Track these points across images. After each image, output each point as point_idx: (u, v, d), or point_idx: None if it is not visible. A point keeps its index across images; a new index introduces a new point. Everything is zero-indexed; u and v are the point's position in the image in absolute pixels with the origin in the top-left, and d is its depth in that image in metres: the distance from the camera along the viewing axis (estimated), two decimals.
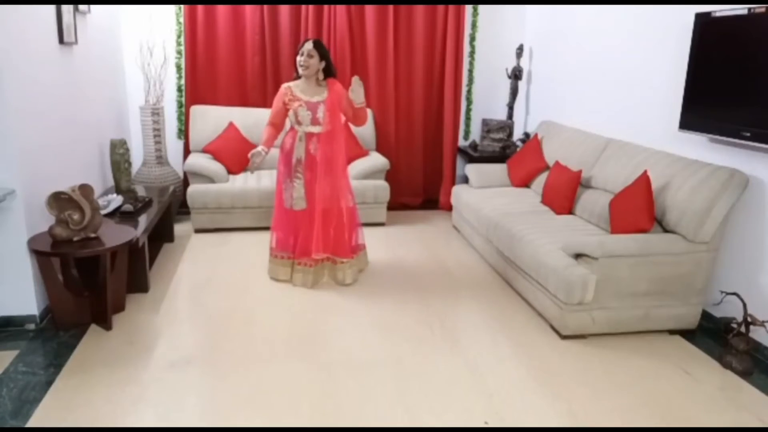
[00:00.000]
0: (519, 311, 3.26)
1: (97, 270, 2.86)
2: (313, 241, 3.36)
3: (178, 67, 4.80)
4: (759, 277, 2.87)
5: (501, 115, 5.33)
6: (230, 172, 4.60)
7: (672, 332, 3.03)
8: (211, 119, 4.75)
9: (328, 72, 3.35)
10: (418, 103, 5.17)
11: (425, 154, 5.33)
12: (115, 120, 4.43)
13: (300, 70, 3.30)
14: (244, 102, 4.92)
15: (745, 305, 2.74)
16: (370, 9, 4.88)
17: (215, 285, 3.47)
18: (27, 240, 2.77)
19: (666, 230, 3.03)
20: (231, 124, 4.72)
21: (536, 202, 4.00)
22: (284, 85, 3.39)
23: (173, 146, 4.92)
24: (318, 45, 3.27)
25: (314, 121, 3.32)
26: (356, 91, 3.22)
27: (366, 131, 4.95)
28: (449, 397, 2.40)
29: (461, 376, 2.56)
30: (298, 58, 3.26)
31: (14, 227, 2.75)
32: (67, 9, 3.26)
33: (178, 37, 4.73)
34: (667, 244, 2.88)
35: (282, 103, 3.35)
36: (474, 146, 5.24)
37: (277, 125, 3.43)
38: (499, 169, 4.62)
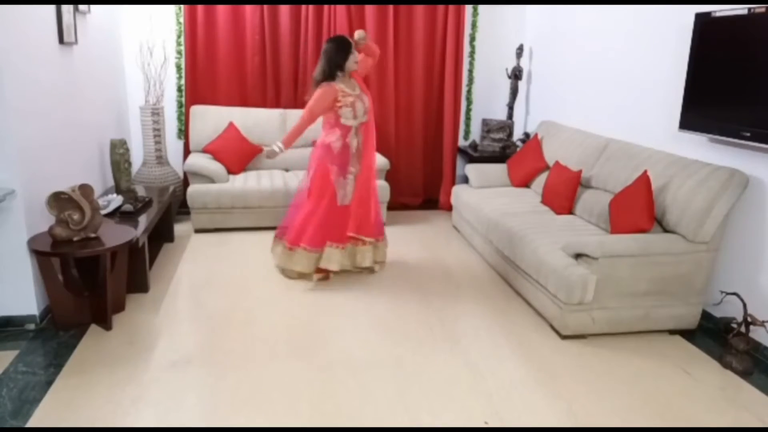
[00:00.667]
0: (519, 311, 3.26)
1: (97, 270, 2.86)
2: (349, 221, 3.49)
3: (178, 67, 4.80)
4: (759, 277, 2.87)
5: (501, 115, 5.33)
6: (230, 172, 4.60)
7: (672, 332, 3.03)
8: (211, 119, 4.74)
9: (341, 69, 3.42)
10: (418, 103, 5.17)
11: (425, 154, 5.33)
12: (115, 120, 4.43)
13: (352, 67, 3.38)
14: (244, 102, 4.93)
15: (745, 305, 2.74)
16: (370, 9, 4.88)
17: (215, 285, 3.47)
18: (27, 240, 2.77)
19: (666, 230, 3.03)
20: (231, 124, 4.72)
21: (536, 202, 4.00)
22: (329, 84, 3.35)
23: (173, 146, 4.92)
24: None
25: (366, 111, 3.46)
26: (362, 38, 3.37)
27: None
28: (449, 397, 2.40)
29: (461, 376, 2.56)
30: (353, 56, 3.34)
31: (14, 227, 2.75)
32: (67, 9, 3.26)
33: (178, 37, 4.73)
34: (667, 244, 2.88)
35: (329, 103, 3.35)
36: (474, 146, 5.24)
37: (308, 125, 3.45)
38: (499, 169, 4.62)
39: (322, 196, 3.44)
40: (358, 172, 3.48)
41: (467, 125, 5.41)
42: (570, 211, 3.74)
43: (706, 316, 3.11)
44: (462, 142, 5.40)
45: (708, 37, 3.02)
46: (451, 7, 4.99)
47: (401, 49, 5.05)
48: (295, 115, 4.95)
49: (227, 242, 4.23)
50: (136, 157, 4.64)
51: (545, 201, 3.94)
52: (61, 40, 3.22)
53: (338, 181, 3.43)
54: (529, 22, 5.19)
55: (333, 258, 3.47)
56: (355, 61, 3.38)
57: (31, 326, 2.85)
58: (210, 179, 4.40)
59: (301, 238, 3.48)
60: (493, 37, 5.24)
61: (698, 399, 2.46)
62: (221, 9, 4.69)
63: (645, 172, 3.13)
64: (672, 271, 2.89)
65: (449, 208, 4.92)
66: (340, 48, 3.34)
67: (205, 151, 4.67)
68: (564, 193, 3.76)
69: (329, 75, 3.35)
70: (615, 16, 3.97)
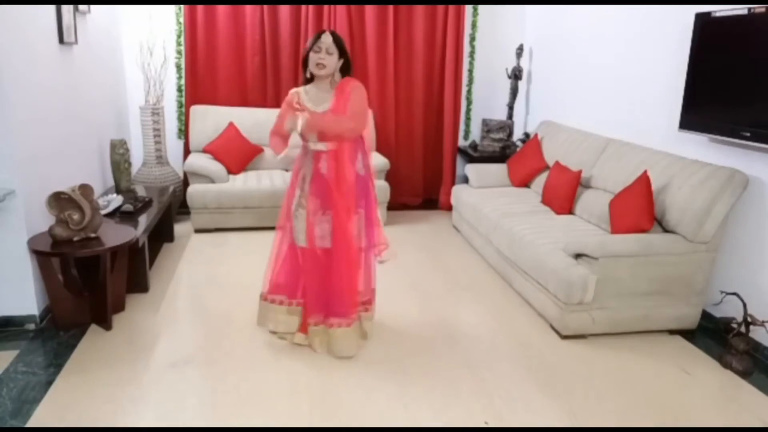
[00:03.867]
0: (519, 311, 3.26)
1: (97, 270, 2.85)
2: (308, 299, 2.71)
3: (178, 67, 4.80)
4: (759, 277, 2.87)
5: (501, 115, 5.33)
6: (230, 172, 4.60)
7: (672, 332, 3.03)
8: (211, 119, 4.75)
9: (346, 70, 2.65)
10: (418, 103, 5.17)
11: (425, 154, 5.32)
12: (115, 120, 4.43)
13: (315, 70, 2.54)
14: (244, 102, 4.92)
15: (745, 305, 2.74)
16: (370, 9, 4.87)
17: (215, 285, 3.47)
18: (27, 240, 2.77)
19: (666, 230, 3.03)
20: (231, 124, 4.72)
21: (536, 202, 4.00)
22: (292, 91, 2.67)
23: (173, 146, 4.92)
24: (337, 39, 2.56)
25: (321, 137, 2.58)
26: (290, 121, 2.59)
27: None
28: (449, 396, 2.40)
29: (461, 376, 2.56)
30: (314, 54, 2.52)
31: (14, 227, 2.75)
32: (67, 9, 3.26)
33: (178, 37, 4.73)
34: (667, 244, 2.88)
35: (288, 110, 2.62)
36: (474, 146, 5.24)
37: (283, 135, 2.72)
38: (499, 169, 4.62)
39: (285, 222, 2.77)
40: (309, 211, 2.61)
41: (467, 125, 5.41)
42: (570, 211, 3.74)
43: (706, 316, 3.11)
44: (462, 142, 5.40)
45: (708, 37, 3.02)
46: (451, 7, 4.99)
47: (401, 49, 5.05)
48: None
49: (227, 242, 4.23)
50: (136, 157, 4.64)
51: (545, 201, 3.94)
52: (61, 40, 3.22)
53: (292, 209, 2.70)
54: (529, 22, 5.20)
55: (272, 315, 2.75)
56: (317, 62, 2.51)
57: (31, 326, 2.84)
58: (210, 179, 4.40)
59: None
60: (493, 37, 5.24)
61: (698, 399, 2.46)
62: (221, 9, 4.69)
63: (645, 172, 3.13)
64: (672, 271, 2.89)
65: (449, 208, 4.92)
66: (309, 42, 2.59)
67: (205, 151, 4.67)
68: (564, 193, 3.76)
69: (305, 77, 2.66)
70: (615, 16, 3.97)
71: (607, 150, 3.78)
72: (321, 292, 2.70)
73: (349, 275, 2.67)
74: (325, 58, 2.52)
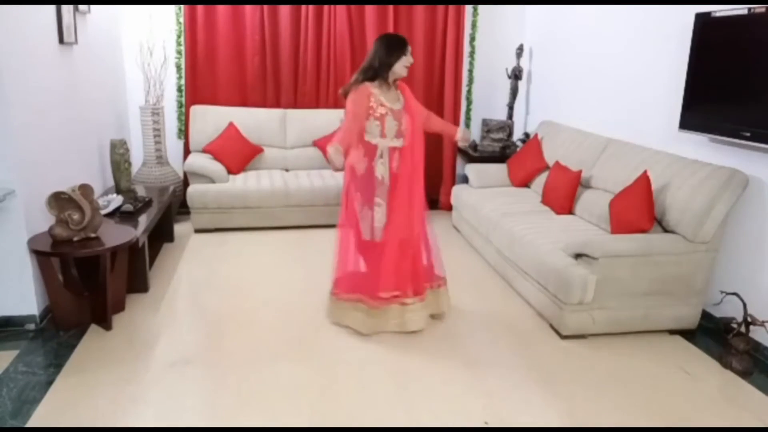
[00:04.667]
0: (519, 311, 3.26)
1: (97, 270, 2.85)
2: (382, 278, 2.82)
3: (178, 67, 4.80)
4: (759, 277, 2.87)
5: (501, 115, 5.32)
6: (230, 172, 4.60)
7: (672, 332, 3.03)
8: (211, 119, 4.75)
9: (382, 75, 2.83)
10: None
11: (425, 154, 5.30)
12: (115, 120, 4.43)
13: (402, 72, 2.78)
14: (244, 102, 4.93)
15: (745, 305, 2.74)
16: (370, 9, 4.88)
17: (215, 285, 3.47)
18: (27, 240, 2.77)
19: (666, 230, 3.03)
20: (231, 124, 4.72)
21: (536, 202, 4.00)
22: (364, 84, 2.77)
23: (173, 146, 4.92)
24: None
25: (399, 133, 2.79)
26: (465, 138, 3.08)
27: None
28: (449, 397, 2.40)
29: (461, 376, 2.56)
30: (405, 58, 2.75)
31: (14, 227, 2.75)
32: (67, 9, 3.26)
33: (178, 37, 4.73)
34: (667, 244, 2.88)
35: (365, 108, 2.72)
36: (474, 146, 5.24)
37: (354, 140, 2.77)
38: (499, 169, 4.62)
39: (349, 227, 2.91)
40: (390, 206, 2.81)
41: (467, 125, 5.41)
42: (570, 211, 3.74)
43: (706, 316, 3.11)
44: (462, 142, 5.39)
45: (708, 37, 3.02)
46: (451, 7, 4.99)
47: None
48: (295, 115, 4.97)
49: (227, 242, 4.23)
50: (136, 157, 4.64)
51: (545, 201, 3.94)
52: (61, 40, 3.22)
53: (362, 211, 2.85)
54: (529, 22, 5.20)
55: (351, 317, 2.89)
56: (406, 65, 2.77)
57: (31, 326, 2.84)
58: (210, 179, 4.40)
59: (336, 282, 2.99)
60: (493, 37, 5.24)
61: (698, 399, 2.46)
62: (221, 9, 4.69)
63: (645, 172, 3.13)
64: (672, 271, 2.89)
65: (449, 208, 4.92)
66: (393, 45, 2.77)
67: (205, 151, 4.67)
68: (564, 193, 3.76)
69: (370, 76, 2.77)
70: (615, 16, 3.97)
71: (607, 150, 3.78)
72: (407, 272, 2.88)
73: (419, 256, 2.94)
74: (409, 60, 2.79)
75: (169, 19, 4.70)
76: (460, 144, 3.16)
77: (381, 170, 2.80)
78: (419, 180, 2.88)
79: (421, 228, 2.91)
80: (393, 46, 2.76)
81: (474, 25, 5.18)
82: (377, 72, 2.76)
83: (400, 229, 2.80)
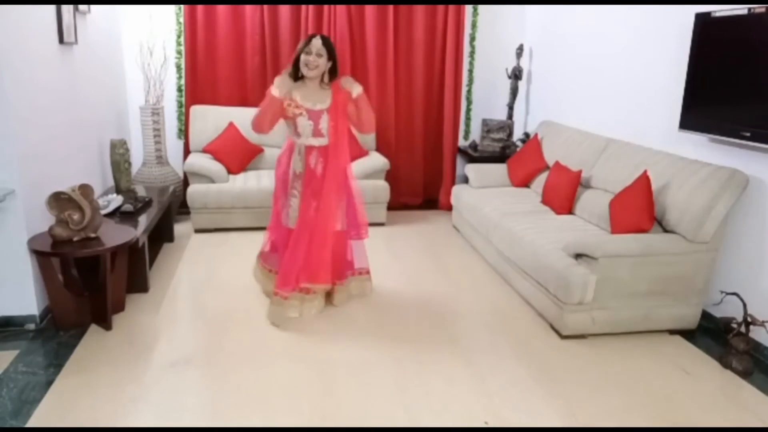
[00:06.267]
0: (519, 311, 3.26)
1: (97, 270, 2.86)
2: (293, 268, 2.97)
3: (178, 67, 4.80)
4: (759, 277, 2.87)
5: (501, 115, 5.33)
6: (230, 172, 4.60)
7: (672, 332, 3.03)
8: (211, 119, 4.74)
9: (334, 73, 2.94)
10: (418, 103, 5.17)
11: (425, 154, 5.33)
12: (115, 120, 4.43)
13: (305, 71, 2.85)
14: (244, 102, 4.92)
15: (745, 305, 2.74)
16: (370, 9, 4.87)
17: (215, 285, 3.47)
18: (27, 240, 2.77)
19: (666, 230, 3.03)
20: (231, 124, 4.72)
21: (536, 202, 4.00)
22: (278, 84, 2.86)
23: (173, 146, 4.92)
24: (327, 42, 2.86)
25: (316, 133, 2.91)
26: (348, 82, 2.89)
27: None
28: (449, 397, 2.40)
29: (461, 376, 2.56)
30: (305, 57, 2.82)
31: (14, 227, 2.75)
32: (67, 9, 3.26)
33: (178, 37, 4.73)
34: (667, 244, 2.88)
35: (272, 104, 2.85)
36: (474, 146, 5.24)
37: (270, 122, 2.94)
38: (499, 169, 4.62)
39: (275, 206, 3.16)
40: (303, 197, 2.98)
41: (467, 125, 5.41)
42: (570, 211, 3.74)
43: (706, 316, 3.11)
44: (462, 142, 5.40)
45: (708, 37, 3.02)
46: (451, 7, 4.99)
47: (401, 49, 5.05)
48: None
49: (227, 242, 4.23)
50: (136, 157, 4.64)
51: (545, 201, 3.94)
52: (61, 40, 3.22)
53: (281, 200, 3.08)
54: (529, 22, 5.20)
55: (259, 278, 3.32)
56: (306, 64, 2.82)
57: (31, 326, 2.84)
58: (210, 179, 4.40)
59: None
60: (493, 37, 5.24)
61: (698, 399, 2.46)
62: (221, 9, 4.69)
63: (645, 172, 3.13)
64: (672, 271, 2.89)
65: (449, 208, 4.92)
66: (300, 44, 2.89)
67: (205, 151, 4.67)
68: (564, 193, 3.76)
69: (293, 75, 2.89)
70: (615, 16, 3.97)
71: (607, 150, 3.78)
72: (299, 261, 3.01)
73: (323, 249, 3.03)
74: (316, 60, 2.83)
75: (169, 19, 4.70)
76: (345, 85, 2.92)
77: (297, 165, 2.98)
78: (340, 179, 2.98)
79: (331, 226, 3.00)
80: (300, 45, 2.88)
81: (474, 25, 5.18)
82: (296, 72, 2.89)
83: (307, 222, 2.95)
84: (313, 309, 3.09)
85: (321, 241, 2.97)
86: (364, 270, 3.32)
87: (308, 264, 2.98)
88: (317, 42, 2.82)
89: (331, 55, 2.88)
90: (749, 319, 2.72)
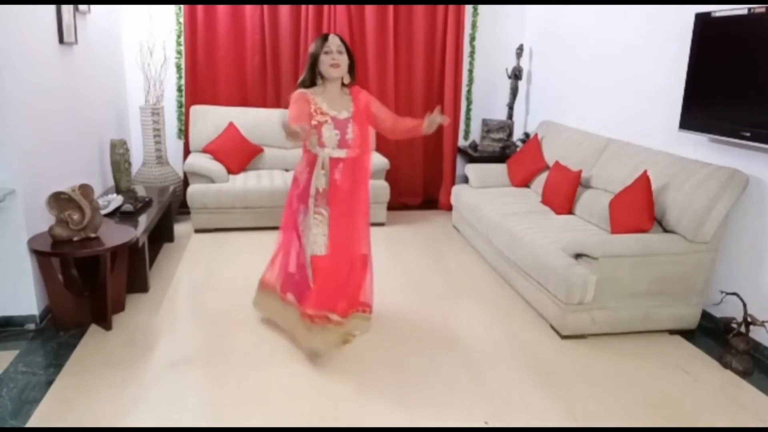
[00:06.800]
0: (519, 311, 3.26)
1: (97, 270, 2.86)
2: (313, 297, 2.61)
3: (178, 67, 4.80)
4: (759, 277, 2.87)
5: (501, 115, 5.33)
6: (230, 172, 4.60)
7: (672, 332, 3.03)
8: (211, 119, 4.75)
9: (352, 73, 2.65)
10: (418, 103, 5.17)
11: (425, 154, 5.33)
12: (115, 120, 4.43)
13: (329, 72, 2.54)
14: (244, 102, 4.93)
15: (745, 305, 2.74)
16: (370, 9, 4.88)
17: (215, 285, 3.47)
18: (27, 240, 2.77)
19: (666, 230, 3.03)
20: (231, 124, 4.72)
21: (536, 202, 4.00)
22: (301, 91, 2.58)
23: (173, 146, 4.92)
24: (343, 39, 2.60)
25: (342, 144, 2.57)
26: (433, 123, 2.63)
27: None
28: (449, 396, 2.40)
29: (461, 376, 2.56)
30: (326, 57, 2.52)
31: (14, 227, 2.75)
32: (67, 9, 3.26)
33: (178, 37, 4.73)
34: (667, 244, 2.88)
35: (306, 112, 2.53)
36: (474, 146, 5.24)
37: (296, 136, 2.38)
38: (499, 169, 4.62)
39: (291, 230, 2.77)
40: (332, 218, 2.62)
41: (467, 125, 5.41)
42: (570, 211, 3.74)
43: (706, 316, 3.11)
44: (462, 142, 5.40)
45: (708, 37, 3.02)
46: (451, 7, 4.99)
47: (401, 49, 5.05)
48: None
49: (227, 242, 4.23)
50: (136, 157, 4.64)
51: (545, 201, 3.94)
52: (61, 40, 3.22)
53: (304, 221, 2.64)
54: (529, 22, 5.20)
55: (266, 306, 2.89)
56: (330, 64, 2.53)
57: (31, 326, 2.84)
58: (210, 179, 4.40)
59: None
60: (493, 37, 5.24)
61: (698, 399, 2.46)
62: (221, 9, 4.69)
63: (645, 172, 3.13)
64: (672, 271, 2.89)
65: (449, 208, 4.92)
66: (315, 46, 2.58)
67: (205, 151, 4.67)
68: (564, 193, 3.76)
69: (307, 84, 2.61)
70: (615, 16, 3.97)
71: (607, 150, 3.78)
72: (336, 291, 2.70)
73: (359, 277, 2.78)
74: (338, 58, 2.54)
75: (169, 19, 4.70)
76: (438, 122, 2.67)
77: (321, 182, 2.59)
78: (363, 196, 2.68)
79: (365, 248, 2.76)
80: (315, 46, 2.58)
81: (474, 25, 5.18)
82: (312, 78, 2.60)
83: (340, 245, 2.63)
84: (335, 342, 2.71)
85: (353, 265, 2.71)
86: (368, 307, 2.89)
87: (348, 291, 2.71)
88: (335, 39, 2.56)
89: (350, 54, 2.62)
90: (749, 319, 2.72)
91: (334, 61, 2.53)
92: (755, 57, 2.75)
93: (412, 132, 2.74)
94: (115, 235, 2.96)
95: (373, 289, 2.89)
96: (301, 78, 2.66)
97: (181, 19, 4.69)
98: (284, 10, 4.79)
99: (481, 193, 4.30)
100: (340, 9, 4.82)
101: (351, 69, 2.63)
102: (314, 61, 2.57)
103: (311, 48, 2.60)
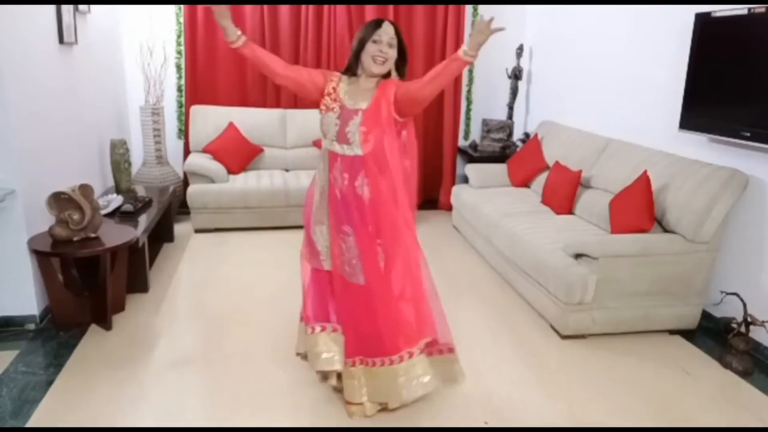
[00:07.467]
0: (519, 311, 3.26)
1: (97, 270, 2.86)
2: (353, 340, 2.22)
3: (178, 67, 4.80)
4: (759, 277, 2.87)
5: (501, 115, 5.32)
6: (230, 172, 4.60)
7: (672, 332, 3.03)
8: (211, 119, 4.75)
9: (401, 71, 2.20)
10: None
11: (425, 154, 5.32)
12: (115, 120, 4.43)
13: (371, 66, 2.10)
14: (244, 102, 4.92)
15: (745, 305, 2.74)
16: (370, 9, 4.87)
17: (215, 285, 3.47)
18: (27, 240, 2.77)
19: (666, 230, 3.03)
20: (231, 124, 4.72)
21: (536, 202, 4.00)
22: (332, 72, 2.27)
23: (173, 146, 4.92)
24: (398, 30, 2.15)
25: (341, 137, 2.13)
26: (480, 32, 2.15)
27: None
28: (449, 396, 2.40)
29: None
30: (373, 46, 2.08)
31: (14, 227, 2.75)
32: (67, 9, 3.26)
33: (178, 37, 4.73)
34: (667, 244, 2.88)
35: (318, 81, 2.24)
36: (474, 146, 5.24)
37: (291, 77, 2.31)
38: (499, 169, 4.62)
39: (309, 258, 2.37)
40: (332, 226, 2.23)
41: (467, 125, 5.41)
42: (570, 211, 3.74)
43: (706, 316, 3.11)
44: (462, 142, 5.40)
45: (708, 37, 3.02)
46: (451, 7, 4.99)
47: None
48: (295, 115, 4.96)
49: (227, 242, 4.23)
50: (136, 157, 4.64)
51: (545, 201, 3.94)
52: (61, 40, 3.22)
53: (313, 230, 2.29)
54: (529, 22, 5.19)
55: (306, 343, 2.33)
56: (374, 54, 2.08)
57: (31, 326, 2.84)
58: (210, 179, 4.40)
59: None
60: (493, 37, 5.18)
61: (698, 399, 2.46)
62: None
63: (645, 172, 3.13)
64: (672, 271, 2.89)
65: (449, 208, 4.92)
66: (361, 32, 2.16)
67: (205, 151, 4.67)
68: (564, 193, 3.76)
69: (350, 70, 2.22)
70: (615, 16, 3.97)
71: (607, 150, 3.78)
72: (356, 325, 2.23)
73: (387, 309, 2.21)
74: (388, 52, 2.10)
75: (169, 19, 4.70)
76: (489, 30, 2.23)
77: (321, 176, 2.23)
78: (385, 211, 2.19)
79: (396, 276, 2.29)
80: (364, 31, 2.14)
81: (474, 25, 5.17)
82: (353, 65, 2.20)
83: (335, 265, 2.22)
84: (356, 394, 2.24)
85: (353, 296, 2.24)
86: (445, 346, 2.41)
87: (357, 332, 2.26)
88: (389, 28, 2.10)
89: (402, 46, 2.15)
90: (749, 319, 2.72)
91: (381, 54, 2.08)
92: (755, 57, 2.75)
93: (447, 71, 2.10)
94: (115, 235, 2.96)
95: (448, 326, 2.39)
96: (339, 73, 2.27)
97: (181, 19, 4.69)
98: (284, 10, 4.79)
99: (481, 193, 4.30)
100: (340, 9, 4.82)
101: (400, 66, 2.17)
102: (360, 47, 2.13)
103: (359, 32, 2.16)
